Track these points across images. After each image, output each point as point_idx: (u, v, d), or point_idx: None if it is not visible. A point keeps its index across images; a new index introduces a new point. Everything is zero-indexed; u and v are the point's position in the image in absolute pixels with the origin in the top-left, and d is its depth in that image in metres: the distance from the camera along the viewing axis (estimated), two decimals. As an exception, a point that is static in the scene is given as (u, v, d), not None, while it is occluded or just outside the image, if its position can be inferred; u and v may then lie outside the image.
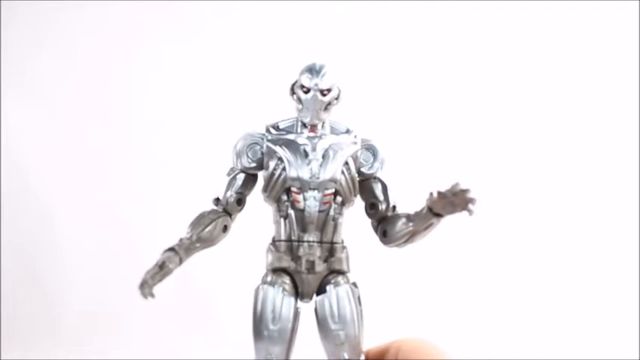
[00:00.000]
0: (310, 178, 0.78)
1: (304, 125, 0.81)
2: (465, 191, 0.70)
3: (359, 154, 0.82)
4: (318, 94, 0.78)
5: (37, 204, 1.77)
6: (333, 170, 0.79)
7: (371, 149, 0.82)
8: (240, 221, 0.83)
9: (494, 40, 1.78)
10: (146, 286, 0.74)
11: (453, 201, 0.70)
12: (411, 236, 0.77)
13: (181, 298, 1.62)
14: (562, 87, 1.78)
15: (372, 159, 0.82)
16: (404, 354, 0.75)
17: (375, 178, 0.82)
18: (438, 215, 0.74)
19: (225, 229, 0.81)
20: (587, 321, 1.66)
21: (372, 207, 0.82)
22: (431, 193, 0.72)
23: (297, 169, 0.78)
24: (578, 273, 1.70)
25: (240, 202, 0.82)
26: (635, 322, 1.67)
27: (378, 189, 0.82)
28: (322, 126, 0.81)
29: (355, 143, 0.81)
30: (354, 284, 0.79)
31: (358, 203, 0.83)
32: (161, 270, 0.75)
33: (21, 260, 1.74)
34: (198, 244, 0.79)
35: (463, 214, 0.70)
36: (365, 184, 0.82)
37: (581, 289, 1.69)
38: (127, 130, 1.79)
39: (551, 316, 1.67)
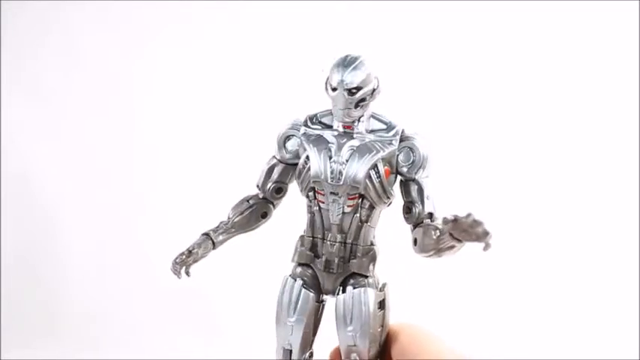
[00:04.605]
0: (331, 180, 0.75)
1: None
2: (477, 224, 0.62)
3: (397, 153, 0.76)
4: (345, 93, 0.73)
5: (38, 204, 1.77)
6: (355, 174, 0.74)
7: (411, 149, 0.76)
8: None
9: (506, 44, 1.77)
10: (177, 268, 0.78)
11: (467, 230, 0.64)
12: (436, 252, 0.72)
13: (181, 299, 1.62)
14: (563, 87, 1.77)
15: (411, 160, 0.76)
16: (402, 343, 0.75)
17: (414, 180, 0.77)
18: (458, 240, 0.67)
19: (265, 215, 0.82)
20: (587, 321, 1.66)
21: (407, 211, 0.77)
22: (445, 219, 0.65)
23: (318, 171, 0.76)
24: (578, 273, 1.70)
25: (280, 190, 0.82)
26: (635, 322, 1.67)
27: (414, 192, 0.76)
28: (359, 121, 0.76)
29: (392, 143, 0.76)
30: (382, 287, 0.78)
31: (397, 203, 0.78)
32: (190, 255, 0.78)
33: (21, 260, 1.74)
34: (233, 230, 0.81)
35: (479, 246, 0.63)
36: (405, 185, 0.77)
37: (581, 290, 1.69)
38: (128, 130, 1.79)
39: (552, 316, 1.67)
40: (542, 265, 1.70)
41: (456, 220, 0.64)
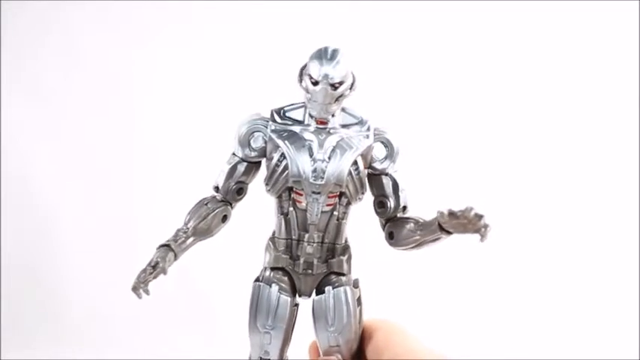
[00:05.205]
0: (314, 180, 0.72)
1: (312, 115, 0.74)
2: (478, 217, 0.63)
3: (371, 148, 0.75)
4: (328, 88, 0.70)
5: (38, 204, 1.77)
6: (339, 172, 0.72)
7: (385, 143, 0.76)
8: (239, 218, 0.80)
9: (505, 42, 1.77)
10: (139, 288, 0.71)
11: (464, 223, 0.64)
12: (417, 245, 0.72)
13: (181, 298, 1.62)
14: (562, 87, 1.77)
15: (385, 154, 0.76)
16: (377, 342, 0.73)
17: (386, 174, 0.76)
18: (448, 232, 0.68)
19: (224, 219, 0.77)
20: (587, 321, 1.66)
21: (380, 205, 0.76)
22: (441, 212, 0.66)
23: (299, 170, 0.72)
24: (578, 273, 1.70)
25: (241, 191, 0.77)
26: (635, 322, 1.66)
27: (388, 186, 0.76)
28: (332, 116, 0.73)
29: (367, 137, 0.74)
30: (355, 283, 0.76)
31: (366, 199, 0.78)
32: (154, 270, 0.71)
33: (21, 260, 1.73)
34: (194, 237, 0.75)
35: (474, 237, 0.65)
36: (376, 179, 0.77)
37: (581, 290, 1.69)
38: (128, 130, 1.79)
39: (552, 316, 1.67)
40: (542, 266, 1.70)
41: (453, 213, 0.64)
